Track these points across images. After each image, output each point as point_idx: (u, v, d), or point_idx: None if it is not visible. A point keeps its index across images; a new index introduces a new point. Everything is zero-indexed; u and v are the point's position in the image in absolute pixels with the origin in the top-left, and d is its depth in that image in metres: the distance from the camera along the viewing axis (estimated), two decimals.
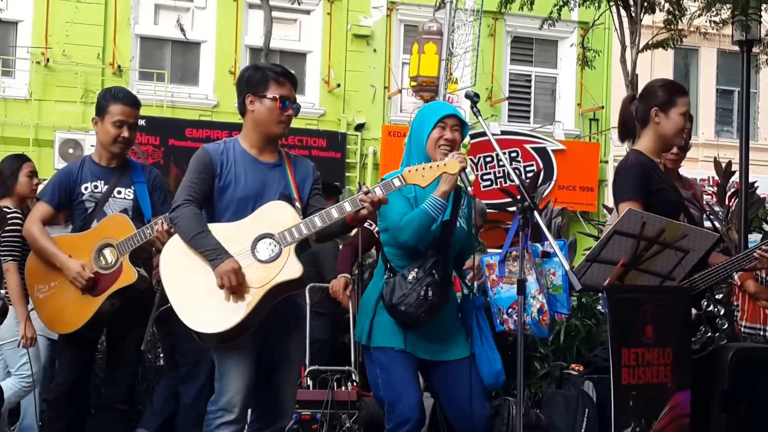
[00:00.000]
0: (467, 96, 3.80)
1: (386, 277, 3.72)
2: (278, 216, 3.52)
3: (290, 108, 3.67)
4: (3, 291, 4.70)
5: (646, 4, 10.04)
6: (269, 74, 3.66)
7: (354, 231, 4.98)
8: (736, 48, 8.49)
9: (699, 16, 11.04)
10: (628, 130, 4.08)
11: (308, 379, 5.04)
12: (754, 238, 7.79)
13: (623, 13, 10.22)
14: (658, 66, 14.98)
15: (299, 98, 3.77)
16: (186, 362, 4.75)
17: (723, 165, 8.83)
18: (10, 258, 4.78)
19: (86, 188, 4.28)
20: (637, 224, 3.55)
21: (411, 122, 3.93)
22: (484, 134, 12.36)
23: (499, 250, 3.73)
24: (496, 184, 14.18)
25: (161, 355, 5.75)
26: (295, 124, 4.34)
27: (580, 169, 15.39)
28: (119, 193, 4.29)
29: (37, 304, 4.31)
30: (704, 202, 5.80)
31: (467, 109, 3.93)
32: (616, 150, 15.52)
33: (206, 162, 3.63)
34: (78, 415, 4.31)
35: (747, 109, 7.93)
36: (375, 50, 15.44)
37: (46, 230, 4.28)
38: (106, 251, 4.15)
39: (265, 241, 3.49)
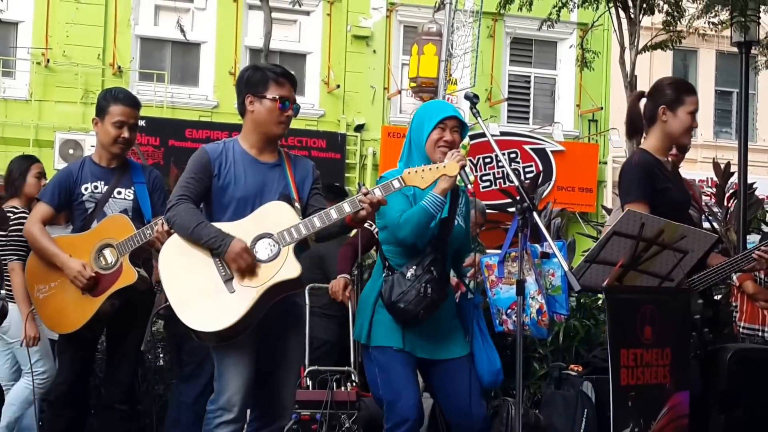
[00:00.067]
0: (466, 97, 3.81)
1: (385, 275, 3.74)
2: (278, 216, 3.53)
3: (290, 108, 3.68)
4: (3, 291, 4.72)
5: (645, 5, 10.04)
6: (269, 75, 3.67)
7: (354, 231, 4.99)
8: (735, 49, 8.49)
9: (698, 18, 11.05)
10: (635, 128, 4.07)
11: (308, 379, 5.04)
12: (753, 239, 7.79)
13: (622, 14, 10.23)
14: (657, 67, 14.99)
15: (299, 99, 3.78)
16: (191, 361, 4.76)
17: (722, 166, 8.84)
18: (15, 258, 4.81)
19: (86, 189, 4.29)
20: (636, 225, 3.55)
21: (411, 120, 3.94)
22: (483, 135, 12.35)
23: (498, 251, 3.74)
24: (496, 185, 14.17)
25: (161, 355, 5.76)
26: (295, 124, 4.36)
27: (579, 170, 15.40)
28: (119, 193, 4.30)
29: (37, 304, 4.32)
30: (703, 203, 5.81)
31: (467, 110, 3.94)
32: (615, 151, 15.54)
33: (204, 162, 3.64)
34: (78, 415, 4.32)
35: (745, 111, 7.92)
36: (374, 51, 15.45)
37: (47, 230, 4.29)
38: (106, 251, 4.16)
39: (264, 241, 3.50)
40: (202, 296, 3.49)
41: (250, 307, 3.45)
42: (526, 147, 15.28)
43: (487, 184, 14.54)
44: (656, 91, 4.00)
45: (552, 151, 15.37)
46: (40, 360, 4.93)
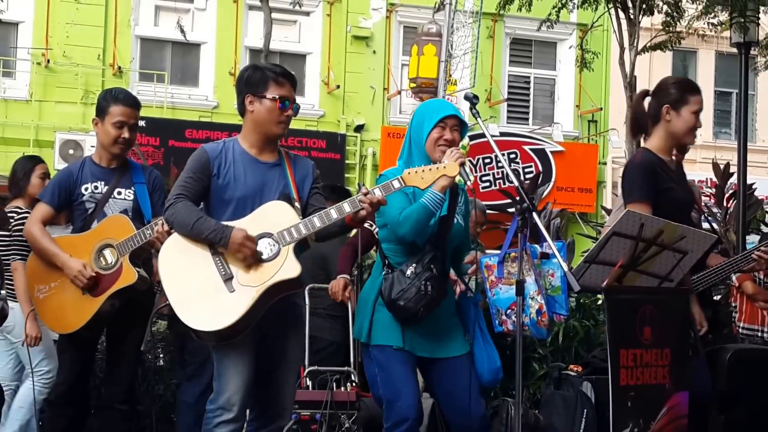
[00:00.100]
0: (466, 98, 3.82)
1: (385, 273, 3.74)
2: (278, 216, 3.54)
3: (290, 108, 3.68)
4: (3, 292, 4.72)
5: (644, 6, 10.04)
6: (269, 74, 3.67)
7: (354, 231, 4.99)
8: (734, 50, 8.50)
9: (698, 18, 11.05)
10: (640, 127, 4.06)
11: (307, 379, 5.04)
12: (752, 239, 7.79)
13: (622, 15, 10.23)
14: (656, 68, 15.00)
15: (299, 99, 3.78)
16: (193, 361, 4.76)
17: (721, 167, 8.85)
18: (19, 258, 4.82)
19: (86, 189, 4.29)
20: (636, 225, 3.56)
21: (410, 118, 3.94)
22: (483, 136, 12.36)
23: (498, 251, 3.74)
24: (495, 186, 14.18)
25: (161, 355, 5.76)
26: (295, 125, 4.36)
27: (579, 171, 15.40)
28: (119, 193, 4.31)
29: (37, 304, 4.33)
30: (702, 204, 5.82)
31: (466, 110, 3.94)
32: (615, 152, 15.54)
33: (203, 162, 3.64)
34: (78, 415, 4.32)
35: (745, 111, 7.92)
36: (374, 52, 15.45)
37: (47, 231, 4.29)
38: (107, 252, 4.17)
39: (264, 241, 3.51)
40: (202, 295, 3.49)
41: (250, 306, 3.45)
42: (526, 147, 15.28)
43: (487, 184, 14.54)
44: (660, 90, 3.99)
45: (551, 152, 15.37)
46: (45, 360, 4.93)
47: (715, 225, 7.87)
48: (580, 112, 16.34)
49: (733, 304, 5.85)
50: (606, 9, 10.69)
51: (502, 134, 15.18)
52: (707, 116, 16.88)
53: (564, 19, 11.62)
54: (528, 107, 16.55)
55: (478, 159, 14.63)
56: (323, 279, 5.33)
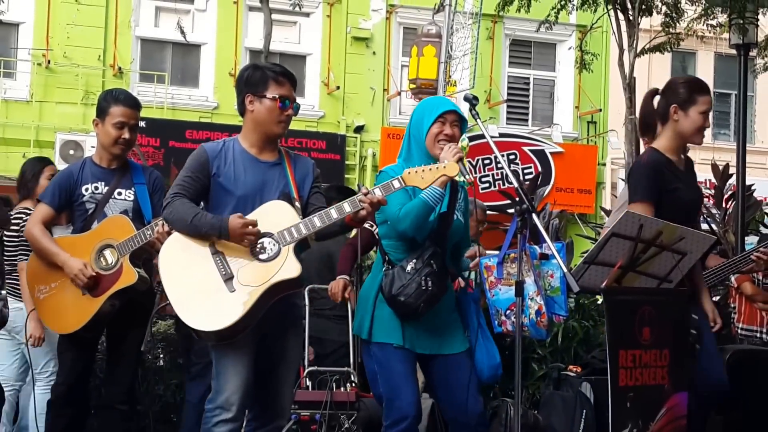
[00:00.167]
0: (466, 99, 3.83)
1: (385, 269, 3.75)
2: (278, 215, 3.54)
3: (290, 108, 3.68)
4: (3, 292, 4.72)
5: (643, 7, 10.05)
6: (269, 74, 3.67)
7: (354, 232, 5.00)
8: (733, 51, 8.50)
9: (697, 20, 11.05)
10: (648, 126, 4.05)
11: (307, 379, 5.05)
12: (751, 240, 7.80)
13: (621, 16, 10.23)
14: (655, 69, 15.01)
15: (299, 100, 3.78)
16: (199, 361, 4.76)
17: (720, 168, 8.85)
18: (25, 258, 4.81)
19: (87, 189, 4.30)
20: (635, 226, 3.56)
21: (411, 116, 3.95)
22: (482, 137, 12.38)
23: (498, 252, 3.75)
24: (495, 187, 14.18)
25: (161, 355, 5.77)
26: (295, 125, 4.37)
27: (578, 172, 15.40)
28: (120, 194, 4.32)
29: (37, 304, 4.33)
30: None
31: (466, 111, 3.95)
32: (614, 153, 15.54)
33: (202, 161, 3.65)
34: (78, 415, 4.32)
35: (744, 113, 7.93)
36: (374, 53, 15.45)
37: (47, 231, 4.30)
38: (107, 252, 4.17)
39: (265, 240, 3.51)
40: (202, 295, 3.49)
41: (250, 306, 3.45)
42: (525, 148, 15.28)
43: (487, 185, 14.54)
44: (669, 89, 3.99)
45: (551, 153, 15.37)
46: (52, 360, 4.91)
47: (714, 226, 7.89)
48: (579, 113, 16.34)
49: (732, 305, 5.86)
50: (605, 10, 10.70)
51: (502, 135, 15.19)
52: None
53: (563, 20, 11.63)
54: (527, 108, 16.55)
55: (478, 160, 14.63)
56: (329, 278, 5.32)
